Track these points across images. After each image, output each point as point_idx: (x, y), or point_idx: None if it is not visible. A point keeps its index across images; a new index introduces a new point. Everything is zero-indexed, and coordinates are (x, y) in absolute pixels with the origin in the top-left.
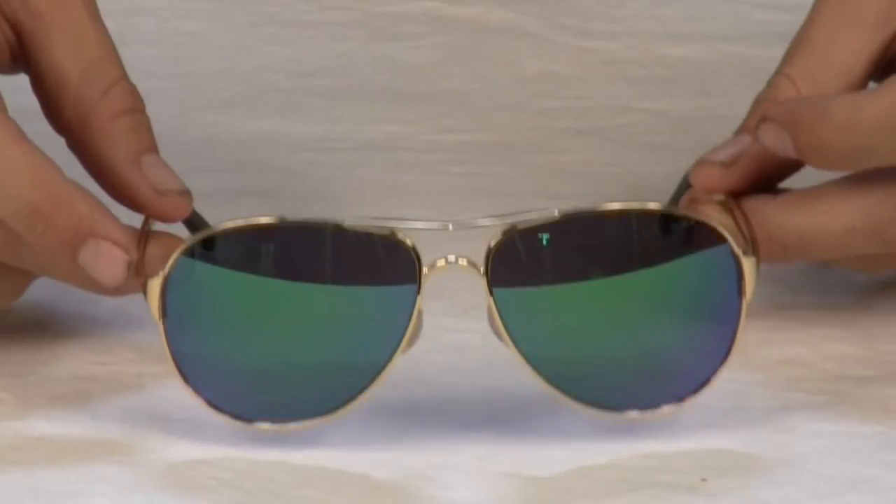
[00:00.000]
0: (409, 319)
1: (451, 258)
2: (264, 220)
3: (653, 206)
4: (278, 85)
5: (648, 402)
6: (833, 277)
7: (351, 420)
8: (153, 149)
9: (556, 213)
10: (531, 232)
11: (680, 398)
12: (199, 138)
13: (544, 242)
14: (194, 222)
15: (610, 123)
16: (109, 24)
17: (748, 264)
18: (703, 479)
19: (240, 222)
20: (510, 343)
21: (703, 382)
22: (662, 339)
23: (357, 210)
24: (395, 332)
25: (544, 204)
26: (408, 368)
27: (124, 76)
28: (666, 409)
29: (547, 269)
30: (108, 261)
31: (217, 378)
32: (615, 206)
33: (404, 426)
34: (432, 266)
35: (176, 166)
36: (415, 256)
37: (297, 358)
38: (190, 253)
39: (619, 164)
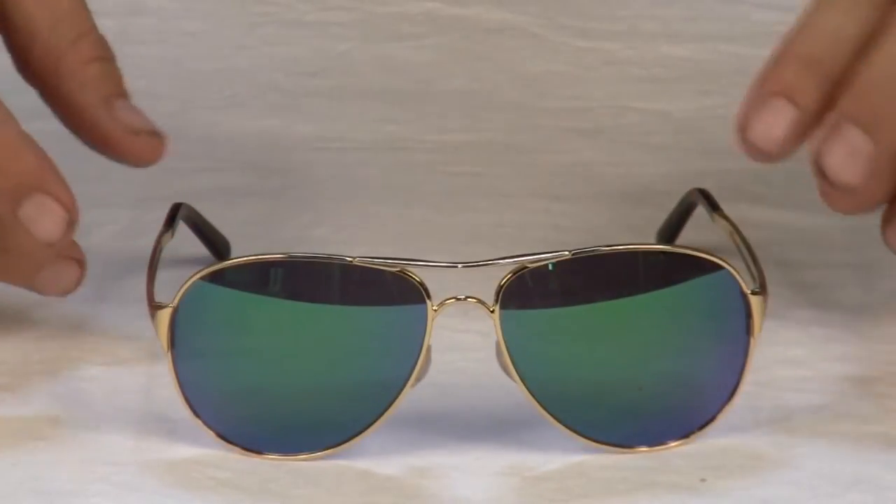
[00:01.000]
0: (418, 356)
1: (461, 296)
2: (273, 256)
3: (662, 246)
4: (278, 85)
5: (656, 437)
6: (833, 278)
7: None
8: (124, 95)
9: (566, 254)
10: (541, 271)
11: (686, 434)
12: (200, 138)
13: (553, 281)
14: (206, 232)
15: (610, 123)
16: (109, 23)
17: (756, 303)
18: (703, 480)
19: (249, 258)
20: (519, 381)
21: (710, 419)
22: (670, 377)
23: (357, 209)
24: (403, 368)
25: (543, 204)
26: None
27: (94, 28)
28: (672, 445)
29: (556, 307)
30: (51, 217)
31: (226, 409)
32: (624, 246)
33: (404, 426)
34: (441, 304)
35: (176, 166)
36: (424, 293)
37: (306, 390)
38: (199, 285)
39: (619, 163)
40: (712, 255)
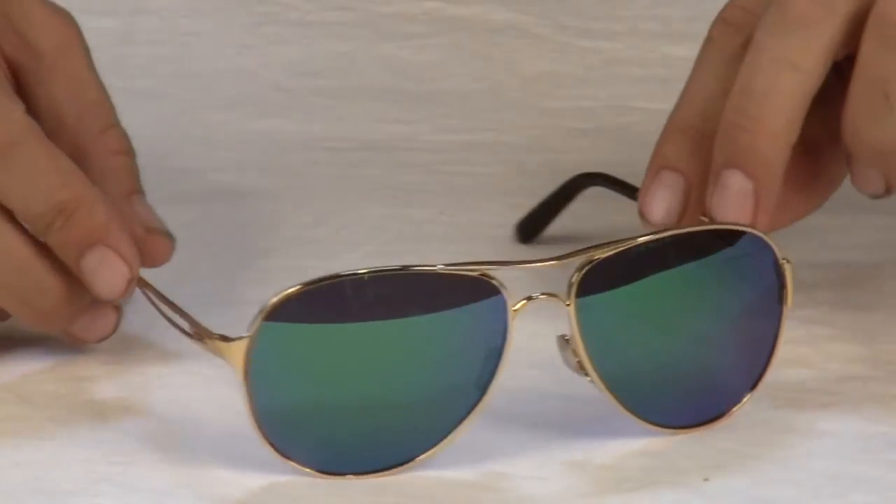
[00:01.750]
0: (501, 357)
1: (536, 294)
2: (348, 273)
3: (713, 225)
4: (281, 85)
5: (717, 410)
6: (835, 276)
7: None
8: (142, 192)
9: (629, 242)
10: (608, 260)
11: (740, 399)
12: (203, 138)
13: (619, 269)
14: None
15: (612, 123)
16: (113, 23)
17: (789, 270)
18: (706, 479)
19: (323, 278)
20: (594, 374)
21: (756, 381)
22: (720, 353)
23: (359, 209)
24: (486, 370)
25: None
26: None
27: (119, 123)
28: (717, 421)
29: (624, 295)
30: (112, 272)
31: (303, 434)
32: (677, 229)
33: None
34: (519, 304)
35: (179, 165)
36: (504, 295)
37: (382, 406)
38: (273, 313)
39: (620, 163)
40: (753, 228)
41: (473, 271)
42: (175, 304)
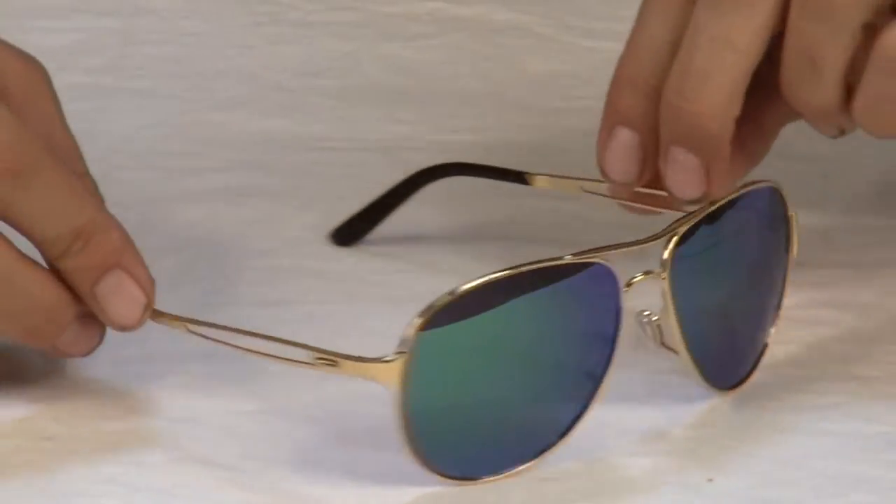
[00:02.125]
0: (616, 337)
1: (638, 276)
2: (497, 274)
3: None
4: (284, 85)
5: (742, 375)
6: (836, 277)
7: (354, 421)
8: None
9: (697, 212)
10: (690, 232)
11: (762, 353)
12: (204, 138)
13: (701, 242)
14: None
15: None
16: (114, 24)
17: (795, 220)
18: (710, 480)
19: (476, 282)
20: (683, 348)
21: (764, 346)
22: (764, 307)
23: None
24: (603, 353)
25: (551, 204)
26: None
27: (89, 172)
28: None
29: (705, 263)
30: (128, 298)
31: (446, 443)
32: (732, 194)
33: None
34: (629, 284)
35: (180, 166)
36: (616, 279)
37: (517, 402)
38: (427, 324)
39: None
40: (771, 182)
41: (593, 258)
42: (283, 339)
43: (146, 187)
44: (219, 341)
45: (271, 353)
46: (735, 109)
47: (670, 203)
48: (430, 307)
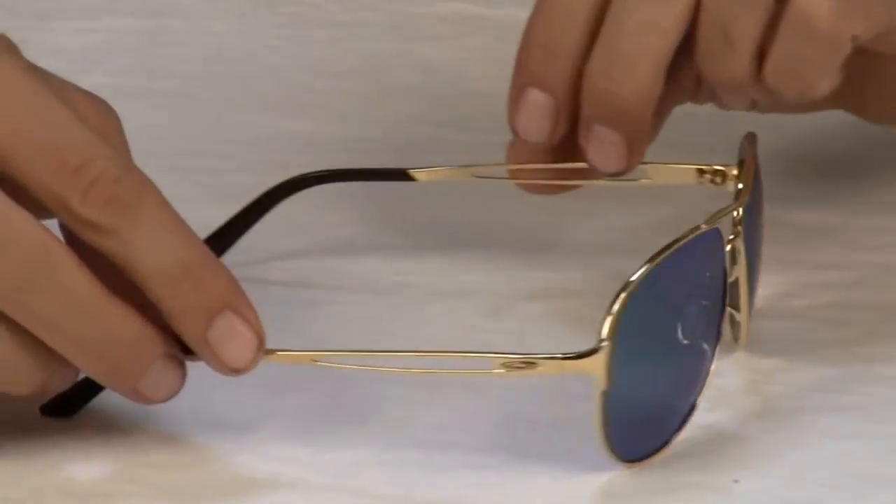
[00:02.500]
0: (721, 314)
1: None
2: (662, 254)
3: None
4: (309, 86)
5: None
6: (838, 278)
7: (356, 423)
8: None
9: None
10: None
11: None
12: (231, 139)
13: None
14: None
15: None
16: (141, 24)
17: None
18: (736, 481)
19: (650, 264)
20: (745, 311)
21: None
22: None
23: (386, 210)
24: (709, 328)
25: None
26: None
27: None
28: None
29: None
30: (241, 341)
31: (629, 426)
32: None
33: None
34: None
35: (207, 166)
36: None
37: (681, 380)
38: (621, 312)
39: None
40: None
41: (711, 224)
42: (458, 351)
43: (173, 188)
44: (365, 367)
45: (432, 368)
46: (658, 89)
47: (556, 187)
48: (622, 295)
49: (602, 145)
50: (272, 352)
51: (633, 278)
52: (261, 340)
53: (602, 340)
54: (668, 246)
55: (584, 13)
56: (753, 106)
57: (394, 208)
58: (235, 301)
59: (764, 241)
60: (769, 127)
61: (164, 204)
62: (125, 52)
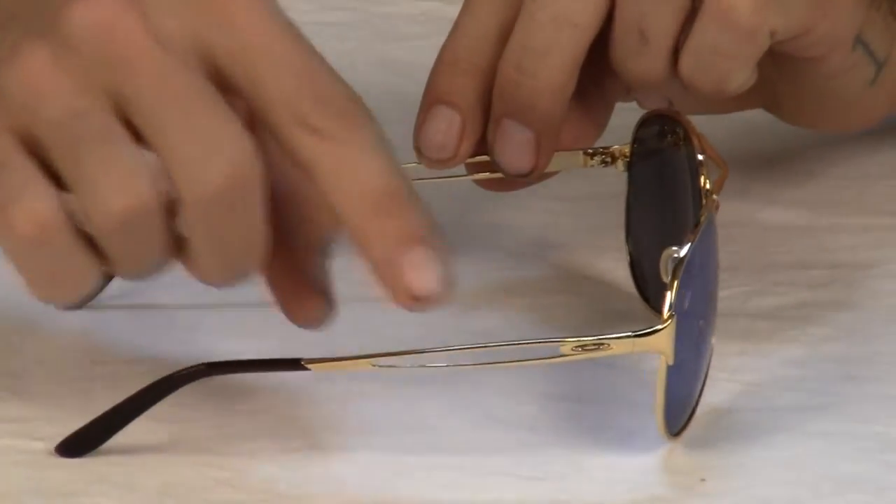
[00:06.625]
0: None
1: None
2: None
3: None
4: None
5: None
6: (832, 278)
7: (353, 422)
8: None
9: None
10: None
11: None
12: None
13: None
14: None
15: (611, 123)
16: None
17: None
18: (703, 480)
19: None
20: None
21: None
22: None
23: None
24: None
25: (544, 205)
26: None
27: None
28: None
29: None
30: (432, 274)
31: (676, 405)
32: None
33: (412, 426)
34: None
35: None
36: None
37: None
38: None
39: None
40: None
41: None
42: (527, 340)
43: None
44: (430, 366)
45: (503, 359)
46: (571, 86)
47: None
48: (676, 268)
49: (510, 143)
50: (323, 360)
51: (682, 253)
52: (449, 282)
53: (667, 317)
54: (698, 222)
55: (492, 29)
56: (669, 105)
57: None
58: (431, 238)
59: (732, 241)
60: (738, 127)
61: (384, 133)
62: None
